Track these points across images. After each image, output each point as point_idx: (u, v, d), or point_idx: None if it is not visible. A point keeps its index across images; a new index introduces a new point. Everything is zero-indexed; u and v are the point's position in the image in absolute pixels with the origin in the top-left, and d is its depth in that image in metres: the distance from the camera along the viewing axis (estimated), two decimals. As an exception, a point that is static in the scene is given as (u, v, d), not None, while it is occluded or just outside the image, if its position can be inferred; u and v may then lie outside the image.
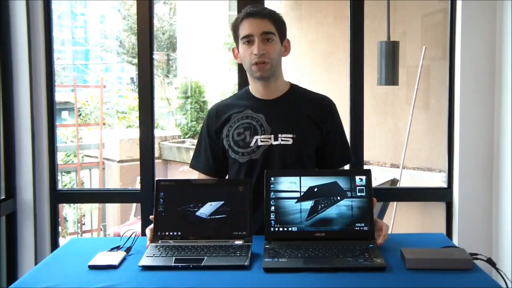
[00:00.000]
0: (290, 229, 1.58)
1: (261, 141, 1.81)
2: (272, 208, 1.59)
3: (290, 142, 1.81)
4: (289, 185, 1.61)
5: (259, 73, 1.79)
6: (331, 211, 1.58)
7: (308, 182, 1.60)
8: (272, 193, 1.60)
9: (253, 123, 1.83)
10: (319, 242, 1.53)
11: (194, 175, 1.95)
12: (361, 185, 1.60)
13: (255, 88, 1.88)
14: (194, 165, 1.95)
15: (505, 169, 2.32)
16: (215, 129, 1.88)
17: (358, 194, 1.59)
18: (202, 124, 1.96)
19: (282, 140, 1.81)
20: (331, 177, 1.61)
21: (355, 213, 1.58)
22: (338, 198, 1.59)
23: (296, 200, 1.59)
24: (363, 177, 1.60)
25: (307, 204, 1.59)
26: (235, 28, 1.83)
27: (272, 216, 1.58)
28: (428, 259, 1.40)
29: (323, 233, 1.57)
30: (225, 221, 1.59)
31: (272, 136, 1.81)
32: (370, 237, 1.56)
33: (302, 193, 1.60)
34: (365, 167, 3.17)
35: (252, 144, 1.81)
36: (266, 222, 1.58)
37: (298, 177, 1.61)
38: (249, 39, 1.78)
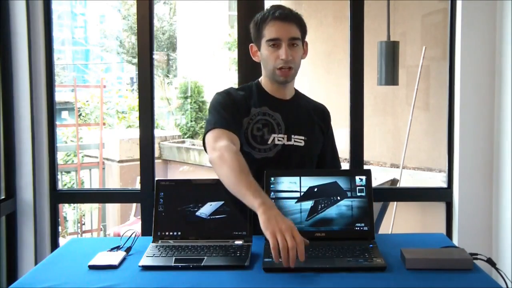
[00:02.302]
0: None
1: (278, 140, 1.80)
2: None
3: (302, 144, 1.82)
4: (289, 185, 1.61)
5: (283, 78, 1.79)
6: (331, 211, 1.58)
7: (308, 182, 1.61)
8: (272, 193, 1.60)
9: (271, 121, 1.82)
10: (319, 242, 1.53)
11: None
12: (361, 185, 1.60)
13: (270, 87, 1.86)
14: (220, 124, 1.69)
15: (505, 169, 2.32)
16: (238, 116, 1.77)
17: (358, 194, 1.59)
18: (217, 100, 1.80)
19: (295, 141, 1.82)
20: (331, 177, 1.62)
21: (355, 213, 1.58)
22: (338, 198, 1.59)
23: (296, 200, 1.59)
24: (363, 177, 1.60)
25: (307, 204, 1.59)
26: (259, 27, 1.79)
27: None
28: (428, 259, 1.40)
29: (323, 233, 1.57)
30: (225, 221, 1.59)
31: (286, 136, 1.81)
32: (370, 237, 1.56)
33: (302, 193, 1.60)
34: (365, 167, 3.17)
35: (269, 142, 1.79)
36: None
37: (298, 177, 1.61)
38: (275, 43, 1.75)
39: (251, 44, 1.87)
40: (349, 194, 1.59)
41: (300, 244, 1.30)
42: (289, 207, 1.59)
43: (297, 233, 1.32)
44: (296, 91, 1.94)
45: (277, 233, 1.31)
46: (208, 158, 1.64)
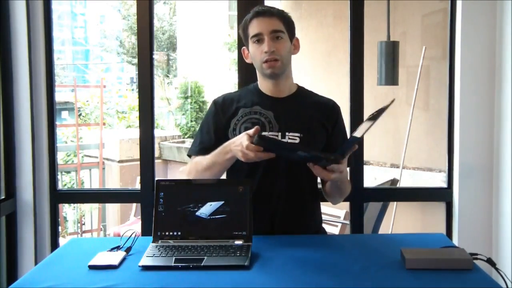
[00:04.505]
0: None
1: None
2: None
3: (297, 141, 1.81)
4: None
5: (270, 70, 1.80)
6: None
7: None
8: None
9: (261, 119, 1.82)
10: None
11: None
12: None
13: (265, 85, 1.88)
14: (193, 151, 1.89)
15: (505, 169, 2.32)
16: (223, 121, 1.85)
17: None
18: (206, 113, 1.91)
19: (289, 138, 1.81)
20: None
21: None
22: None
23: None
24: None
25: None
26: (244, 28, 1.85)
27: None
28: (428, 259, 1.41)
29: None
30: (225, 221, 1.59)
31: (280, 134, 1.81)
32: None
33: None
34: (365, 167, 3.16)
35: None
36: None
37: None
38: (258, 38, 1.80)
39: (243, 48, 1.91)
40: None
41: (247, 147, 1.57)
42: None
43: (244, 141, 1.59)
44: (300, 87, 1.93)
45: (238, 155, 1.63)
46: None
